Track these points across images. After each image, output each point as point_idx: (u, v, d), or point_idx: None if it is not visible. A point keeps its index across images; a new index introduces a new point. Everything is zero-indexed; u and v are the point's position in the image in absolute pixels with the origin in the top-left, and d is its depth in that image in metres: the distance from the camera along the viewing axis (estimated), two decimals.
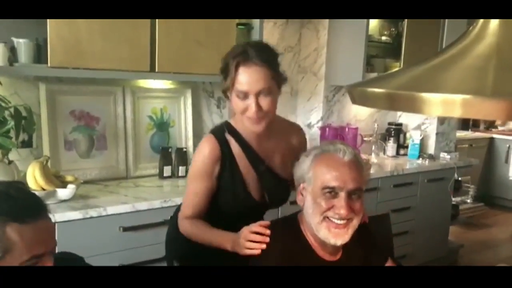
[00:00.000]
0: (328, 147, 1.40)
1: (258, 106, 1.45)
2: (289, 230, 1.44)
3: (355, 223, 1.36)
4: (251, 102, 1.45)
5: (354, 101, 0.73)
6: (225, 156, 1.57)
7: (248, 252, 1.37)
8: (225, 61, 1.49)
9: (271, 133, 1.60)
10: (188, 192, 1.62)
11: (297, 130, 1.74)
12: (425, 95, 0.60)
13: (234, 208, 1.62)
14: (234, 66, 1.44)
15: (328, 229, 1.34)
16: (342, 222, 1.34)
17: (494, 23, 0.67)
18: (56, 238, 1.17)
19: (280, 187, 1.66)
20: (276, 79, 1.49)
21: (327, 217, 1.34)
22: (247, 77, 1.44)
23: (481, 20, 0.68)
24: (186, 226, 1.61)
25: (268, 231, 1.37)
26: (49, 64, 2.13)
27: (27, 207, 1.03)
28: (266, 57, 1.47)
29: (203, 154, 1.57)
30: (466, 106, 0.57)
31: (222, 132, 1.60)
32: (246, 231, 1.39)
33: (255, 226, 1.39)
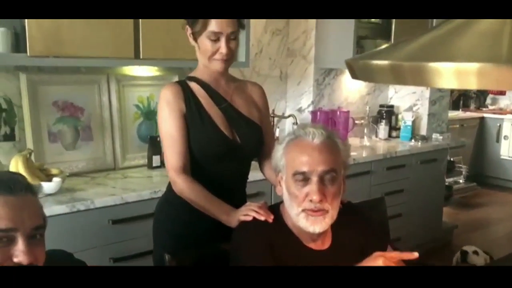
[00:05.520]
0: (299, 132, 1.37)
1: (228, 47, 1.60)
2: (273, 220, 1.40)
3: (332, 213, 1.32)
4: (222, 43, 1.59)
5: (355, 75, 0.67)
6: (188, 96, 1.65)
7: (243, 218, 1.43)
8: None
9: (228, 79, 1.75)
10: (165, 142, 1.65)
11: (256, 85, 1.84)
12: (435, 65, 0.54)
13: (209, 146, 1.64)
14: None
15: (306, 218, 1.31)
16: (317, 209, 1.30)
17: None
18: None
19: (247, 126, 1.71)
20: (240, 24, 1.64)
21: (305, 209, 1.31)
22: (220, 21, 1.57)
23: None
24: (183, 187, 1.60)
25: (272, 216, 1.39)
26: (28, 53, 2.04)
27: (2, 182, 0.99)
28: None
29: (167, 97, 1.64)
30: (482, 76, 0.51)
31: (182, 80, 1.73)
32: (252, 205, 1.45)
33: (262, 206, 1.43)
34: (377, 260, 1.20)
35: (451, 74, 0.54)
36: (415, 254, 1.19)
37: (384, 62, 0.60)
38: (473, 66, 0.52)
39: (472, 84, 0.53)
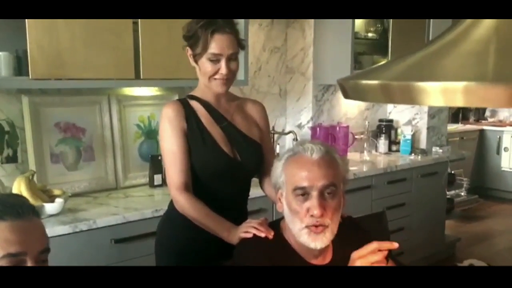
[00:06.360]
0: (297, 148, 1.39)
1: (228, 68, 1.62)
2: (273, 236, 1.41)
3: (332, 227, 1.33)
4: (222, 64, 1.61)
5: (347, 95, 0.69)
6: (189, 114, 1.68)
7: (243, 235, 1.44)
8: (193, 29, 1.62)
9: (229, 98, 1.77)
10: (167, 160, 1.67)
11: (257, 102, 1.86)
12: (423, 84, 0.56)
13: (209, 164, 1.66)
14: (210, 33, 1.59)
15: (308, 234, 1.32)
16: (318, 223, 1.31)
17: None
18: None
19: (248, 144, 1.73)
20: (240, 45, 1.67)
21: (308, 225, 1.32)
22: (221, 43, 1.60)
23: None
24: (184, 204, 1.62)
25: (272, 232, 1.40)
26: (30, 76, 2.07)
27: (9, 206, 1.00)
28: (232, 26, 1.65)
29: (168, 115, 1.66)
30: (468, 94, 0.53)
31: (183, 98, 1.76)
32: (252, 222, 1.46)
33: (263, 222, 1.44)
34: (355, 263, 1.23)
35: (438, 93, 0.56)
36: (395, 244, 1.22)
37: (374, 82, 0.62)
38: (459, 84, 0.54)
39: (458, 102, 0.55)
